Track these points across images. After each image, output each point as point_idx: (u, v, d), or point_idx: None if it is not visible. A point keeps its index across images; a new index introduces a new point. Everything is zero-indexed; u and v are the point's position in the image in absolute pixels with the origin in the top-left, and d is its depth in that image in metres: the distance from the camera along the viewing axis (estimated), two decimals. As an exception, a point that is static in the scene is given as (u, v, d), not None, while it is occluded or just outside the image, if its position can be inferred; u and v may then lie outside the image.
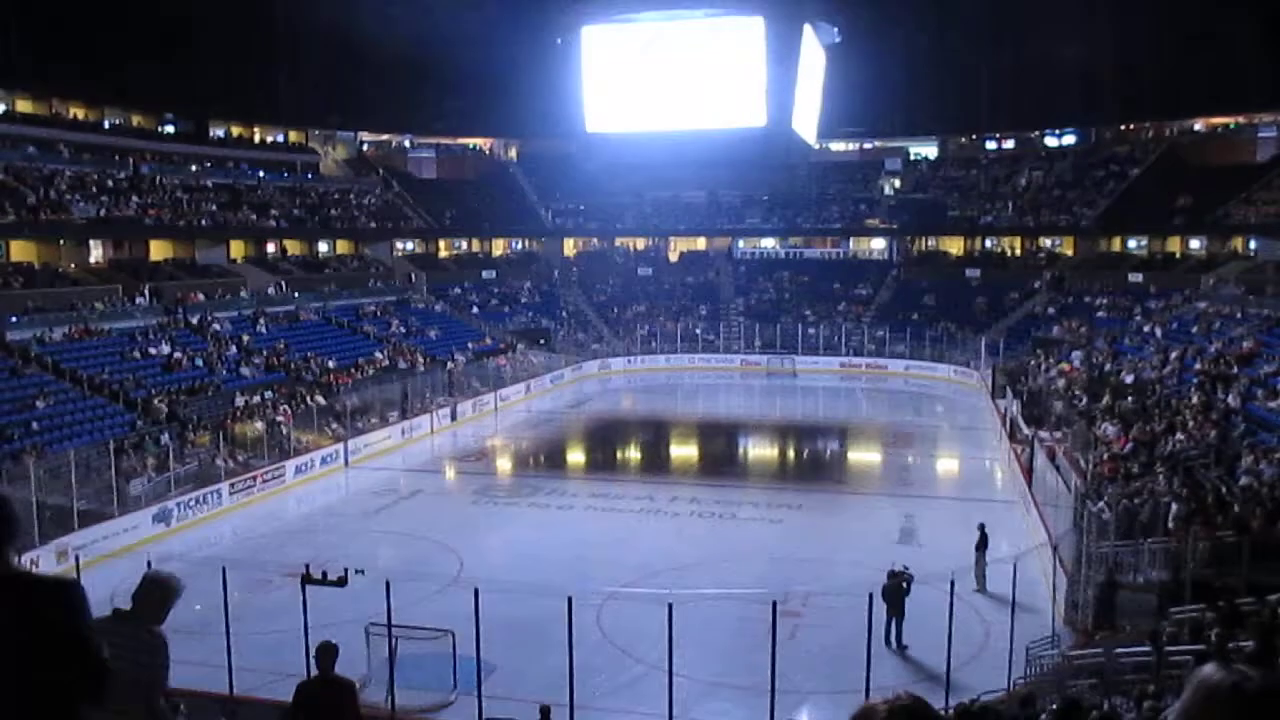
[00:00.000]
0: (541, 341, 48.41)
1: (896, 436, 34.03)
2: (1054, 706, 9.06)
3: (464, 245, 60.41)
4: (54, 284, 35.37)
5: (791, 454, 34.33)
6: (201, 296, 38.74)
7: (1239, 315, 34.44)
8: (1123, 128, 58.24)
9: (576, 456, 33.78)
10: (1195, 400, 24.49)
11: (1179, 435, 21.84)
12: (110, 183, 42.50)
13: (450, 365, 40.24)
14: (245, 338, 36.26)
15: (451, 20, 43.19)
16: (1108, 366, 32.97)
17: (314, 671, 7.81)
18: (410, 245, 57.18)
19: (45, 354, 29.55)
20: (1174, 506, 16.78)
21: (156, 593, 3.90)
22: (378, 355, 39.13)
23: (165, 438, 26.00)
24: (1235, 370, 26.52)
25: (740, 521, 23.64)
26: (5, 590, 2.32)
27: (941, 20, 52.39)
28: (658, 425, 37.71)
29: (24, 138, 42.07)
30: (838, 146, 61.59)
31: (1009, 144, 61.46)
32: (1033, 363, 37.32)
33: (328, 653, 7.58)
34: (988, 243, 56.94)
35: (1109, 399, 27.28)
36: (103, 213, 40.14)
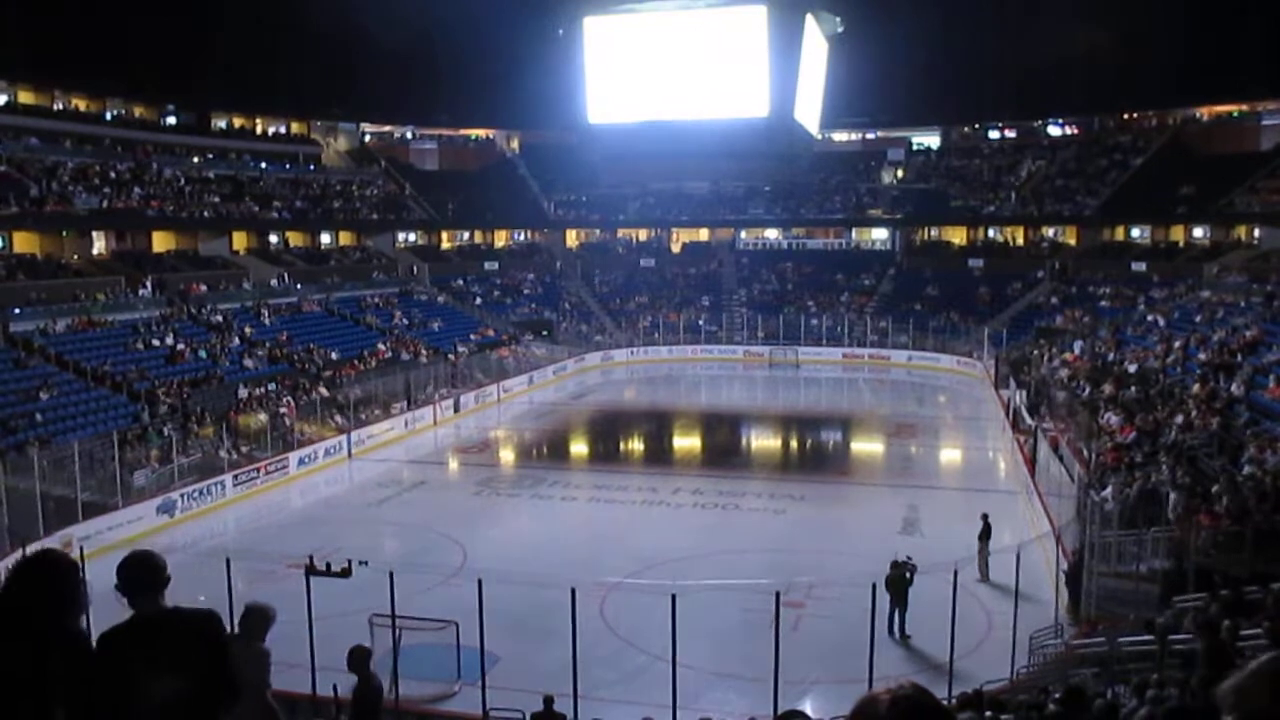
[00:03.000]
0: (544, 333, 48.43)
1: (899, 427, 34.00)
2: (1058, 695, 9.08)
3: (466, 237, 60.40)
4: (57, 275, 35.43)
5: (794, 445, 34.33)
6: (204, 288, 38.79)
7: (1243, 304, 34.37)
8: (1125, 116, 58.01)
9: (579, 448, 33.78)
10: (1198, 389, 24.45)
11: (1182, 424, 21.81)
12: (113, 174, 42.48)
13: (453, 357, 40.27)
14: (248, 329, 36.30)
15: (453, 11, 43.03)
16: (1111, 356, 32.92)
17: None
18: (412, 236, 57.15)
19: (49, 345, 29.60)
20: (1173, 495, 16.77)
21: (258, 618, 5.21)
22: (380, 347, 39.17)
23: (168, 429, 26.09)
24: (1239, 359, 26.46)
25: (743, 512, 23.66)
26: (161, 626, 2.92)
27: (944, 10, 52.10)
28: (660, 417, 37.73)
29: (26, 129, 42.00)
30: (840, 137, 61.46)
31: (1011, 133, 61.22)
32: (1036, 353, 37.27)
33: (360, 655, 8.30)
34: (990, 232, 56.82)
35: (1112, 388, 27.23)
36: (105, 204, 40.15)
